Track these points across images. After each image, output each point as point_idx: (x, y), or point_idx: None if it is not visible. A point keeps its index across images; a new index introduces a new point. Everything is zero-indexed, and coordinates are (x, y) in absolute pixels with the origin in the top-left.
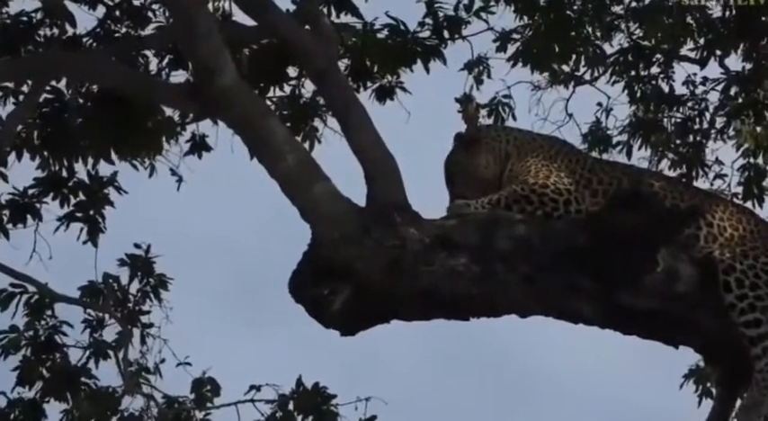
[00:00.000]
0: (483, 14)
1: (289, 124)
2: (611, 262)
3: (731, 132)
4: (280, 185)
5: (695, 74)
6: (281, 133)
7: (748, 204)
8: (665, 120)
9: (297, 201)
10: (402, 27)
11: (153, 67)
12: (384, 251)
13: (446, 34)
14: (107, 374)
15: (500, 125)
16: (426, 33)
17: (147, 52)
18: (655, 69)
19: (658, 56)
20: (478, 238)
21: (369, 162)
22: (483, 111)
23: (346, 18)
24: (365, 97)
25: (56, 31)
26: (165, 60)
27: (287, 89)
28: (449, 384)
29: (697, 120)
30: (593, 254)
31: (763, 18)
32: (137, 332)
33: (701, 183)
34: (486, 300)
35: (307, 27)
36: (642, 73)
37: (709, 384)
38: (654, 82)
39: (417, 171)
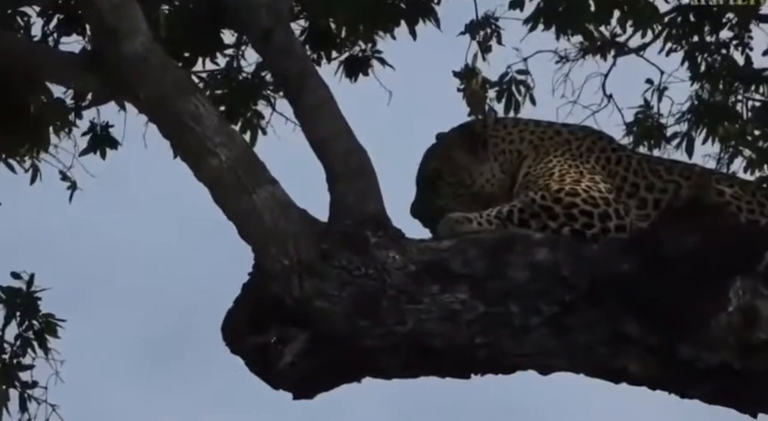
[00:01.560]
0: None
1: (223, 108)
2: (667, 299)
3: None
4: (209, 191)
5: None
6: (210, 120)
7: None
8: (740, 103)
9: (232, 214)
10: None
11: (36, 30)
12: (352, 284)
13: None
14: None
15: (511, 118)
16: None
17: (28, 10)
18: (725, 34)
19: (730, 15)
20: (484, 266)
21: (332, 159)
22: (490, 92)
23: None
24: (329, 71)
25: None
26: (53, 21)
27: (221, 60)
28: None
29: None
30: (642, 287)
31: None
32: (14, 394)
33: None
34: (494, 351)
35: None
36: (708, 38)
37: None
38: (724, 51)
39: (400, 172)
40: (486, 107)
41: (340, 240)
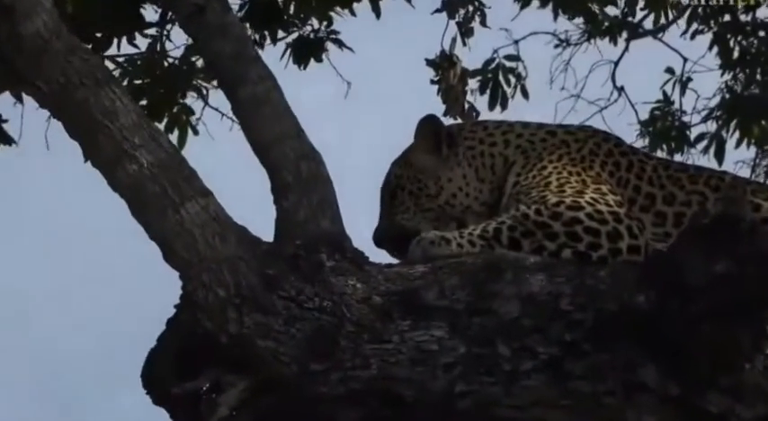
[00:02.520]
0: None
1: (144, 102)
2: (691, 338)
3: None
4: (127, 205)
5: None
6: (128, 117)
7: None
8: None
9: (155, 233)
10: None
11: None
12: (304, 318)
13: None
14: None
15: (493, 120)
16: None
17: None
18: (763, 11)
19: None
20: (466, 298)
21: (278, 165)
22: (472, 82)
23: None
24: (274, 56)
25: None
26: None
27: (142, 43)
28: None
29: None
30: (660, 324)
31: None
32: None
33: None
34: (478, 401)
35: None
36: (742, 18)
37: None
38: (762, 33)
39: (362, 181)
40: (466, 105)
41: (288, 265)
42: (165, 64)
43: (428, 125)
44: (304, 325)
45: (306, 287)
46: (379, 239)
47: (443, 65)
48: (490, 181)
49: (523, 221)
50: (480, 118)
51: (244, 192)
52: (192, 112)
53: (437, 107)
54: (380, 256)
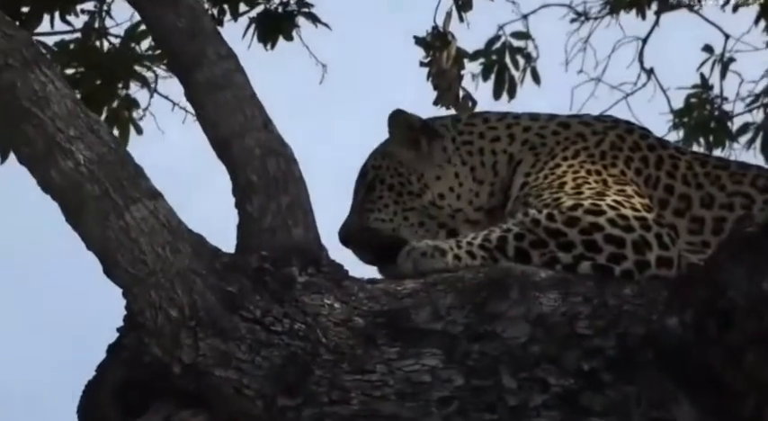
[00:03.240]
0: None
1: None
2: (732, 368)
3: None
4: (60, 208)
5: None
6: (62, 104)
7: None
8: None
9: (94, 241)
10: None
11: None
12: (271, 344)
13: None
14: None
15: (495, 111)
16: None
17: None
18: None
19: None
20: (464, 320)
21: (241, 163)
22: (473, 66)
23: None
24: (236, 33)
25: None
26: None
27: (76, 21)
28: None
29: None
30: (696, 351)
31: None
32: None
33: None
34: None
35: None
36: None
37: None
38: None
39: (340, 181)
40: (461, 92)
41: (253, 281)
42: (104, 48)
43: (398, 119)
44: (272, 352)
45: (274, 307)
46: (346, 237)
47: (435, 44)
48: (490, 182)
49: (533, 228)
50: (478, 109)
51: (201, 196)
52: (136, 104)
53: (427, 95)
54: (364, 270)
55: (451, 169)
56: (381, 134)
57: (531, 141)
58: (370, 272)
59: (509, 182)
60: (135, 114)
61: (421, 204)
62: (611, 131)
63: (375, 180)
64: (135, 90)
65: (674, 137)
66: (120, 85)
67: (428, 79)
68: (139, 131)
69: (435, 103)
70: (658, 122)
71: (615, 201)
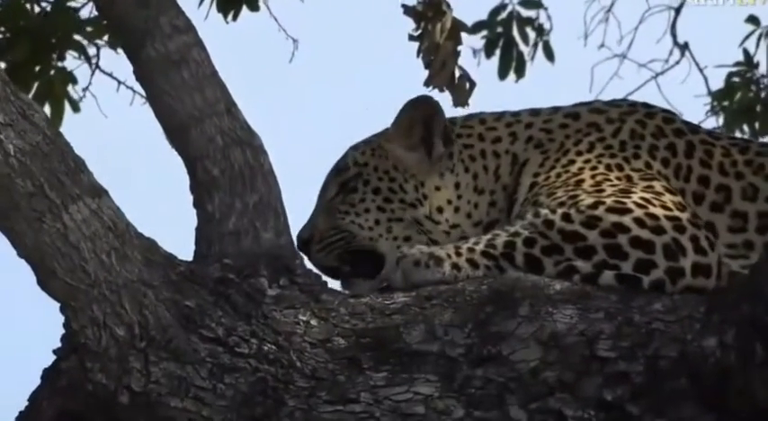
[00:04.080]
0: None
1: (4, 64)
2: None
3: None
4: None
5: None
6: None
7: None
8: None
9: (25, 246)
10: None
11: None
12: (236, 369)
13: None
14: None
15: (488, 113)
16: None
17: None
18: None
19: None
20: (465, 339)
21: (199, 154)
22: (475, 40)
23: None
24: (191, 2)
25: None
26: None
27: None
28: None
29: None
30: (741, 380)
31: None
32: None
33: None
34: None
35: None
36: None
37: None
38: None
39: (320, 173)
40: (457, 71)
41: (214, 293)
42: (35, 9)
43: (419, 110)
44: (237, 378)
45: (239, 325)
46: (306, 240)
47: (427, 14)
48: (491, 190)
49: (546, 231)
50: (478, 92)
51: (153, 192)
52: (73, 80)
53: (417, 74)
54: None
55: (452, 179)
56: (363, 122)
57: (536, 138)
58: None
59: (514, 186)
60: (73, 93)
61: (413, 216)
62: (628, 117)
63: (358, 180)
64: (73, 64)
65: (713, 123)
66: (54, 56)
67: (418, 56)
68: (76, 109)
69: (426, 83)
70: (694, 106)
71: (642, 198)
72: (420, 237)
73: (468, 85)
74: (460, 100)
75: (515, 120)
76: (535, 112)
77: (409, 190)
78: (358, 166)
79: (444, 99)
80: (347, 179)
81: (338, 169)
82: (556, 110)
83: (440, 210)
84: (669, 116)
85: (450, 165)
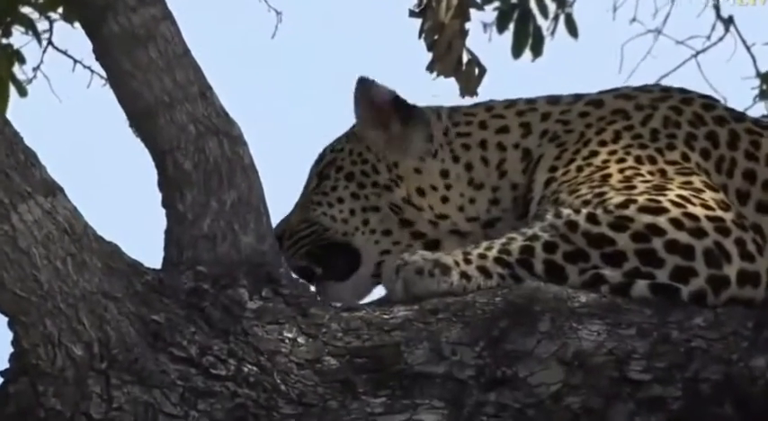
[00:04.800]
0: None
1: None
2: None
3: None
4: None
5: None
6: None
7: None
8: None
9: None
10: None
11: None
12: (211, 393)
13: None
14: None
15: (498, 100)
16: None
17: None
18: None
19: None
20: (476, 360)
21: (167, 146)
22: (485, 15)
23: None
24: None
25: None
26: None
27: None
28: None
29: None
30: None
31: None
32: None
33: None
34: None
35: None
36: None
37: None
38: None
39: (308, 168)
40: (465, 56)
41: (186, 307)
42: None
43: (360, 92)
44: (212, 404)
45: (215, 342)
46: (279, 236)
47: None
48: (493, 187)
49: (569, 234)
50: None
51: (115, 190)
52: (21, 59)
53: (419, 57)
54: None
55: (437, 165)
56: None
57: (552, 131)
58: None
59: (528, 184)
60: (20, 74)
61: (390, 202)
62: (661, 104)
63: (331, 166)
64: (20, 41)
65: (761, 110)
66: None
67: (420, 36)
68: (23, 92)
69: (429, 68)
70: (740, 89)
71: (680, 195)
72: (402, 230)
73: (477, 70)
74: (469, 88)
75: (529, 108)
76: (554, 100)
77: (382, 171)
78: (333, 153)
79: (451, 87)
80: (322, 168)
81: (319, 158)
82: (578, 97)
83: (421, 192)
84: (709, 102)
85: (430, 149)
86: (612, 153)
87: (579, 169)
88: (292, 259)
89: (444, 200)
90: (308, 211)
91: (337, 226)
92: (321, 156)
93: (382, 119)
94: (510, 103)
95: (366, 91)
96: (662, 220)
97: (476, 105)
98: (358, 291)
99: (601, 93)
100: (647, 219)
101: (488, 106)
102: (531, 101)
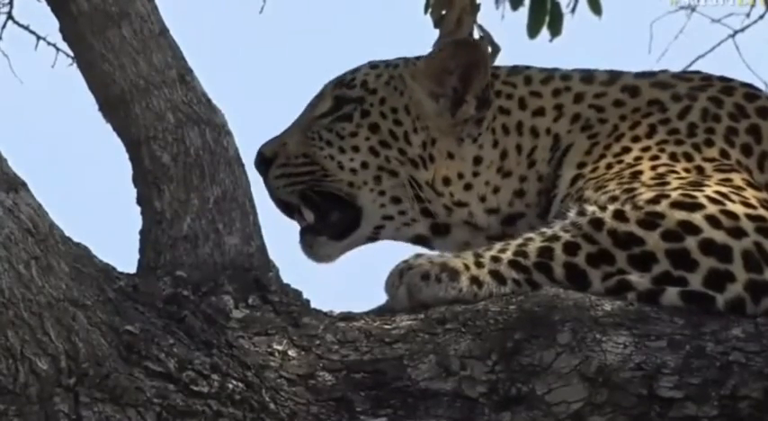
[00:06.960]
0: None
1: None
2: None
3: None
4: None
5: None
6: None
7: None
8: None
9: None
10: None
11: None
12: (192, 413)
13: None
14: None
15: (536, 69)
16: None
17: None
18: None
19: None
20: (489, 375)
21: (142, 132)
22: None
23: None
24: None
25: None
26: None
27: None
28: None
29: None
30: None
31: None
32: None
33: None
34: None
35: None
36: None
37: None
38: None
39: None
40: (476, 33)
41: (164, 316)
42: None
43: (462, 56)
44: None
45: (196, 356)
46: (268, 158)
47: None
48: (521, 177)
49: (593, 234)
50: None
51: (87, 186)
52: None
53: (425, 34)
54: (336, 301)
55: (473, 151)
56: None
57: (584, 117)
58: (346, 301)
59: (553, 178)
60: None
61: (410, 175)
62: (700, 93)
63: (357, 106)
64: None
65: None
66: None
67: (426, 12)
68: None
69: (436, 46)
70: None
71: (718, 192)
72: (412, 203)
73: (489, 49)
74: None
75: (564, 86)
76: (588, 78)
77: (415, 143)
78: (365, 90)
79: None
80: (346, 98)
81: (341, 81)
82: (613, 78)
83: (446, 181)
84: (752, 91)
85: (474, 132)
86: (645, 149)
87: (609, 166)
88: (280, 191)
89: (468, 187)
90: (311, 144)
91: (343, 175)
92: (344, 80)
93: (457, 95)
94: (547, 77)
95: (472, 54)
96: (697, 217)
97: (515, 71)
98: (347, 251)
99: (637, 76)
100: (681, 215)
101: (527, 76)
102: (566, 76)
